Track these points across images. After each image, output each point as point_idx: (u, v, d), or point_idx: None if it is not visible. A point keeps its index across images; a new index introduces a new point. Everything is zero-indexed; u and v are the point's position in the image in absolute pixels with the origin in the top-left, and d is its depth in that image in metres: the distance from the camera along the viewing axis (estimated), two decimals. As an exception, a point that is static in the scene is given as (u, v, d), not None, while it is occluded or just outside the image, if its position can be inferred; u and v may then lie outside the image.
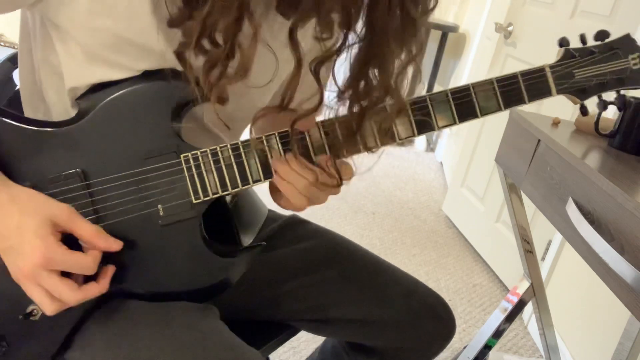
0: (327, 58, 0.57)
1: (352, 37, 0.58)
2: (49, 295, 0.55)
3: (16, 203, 0.55)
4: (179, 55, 0.57)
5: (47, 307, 0.55)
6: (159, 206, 0.62)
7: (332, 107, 0.63)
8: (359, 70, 0.60)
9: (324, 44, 0.56)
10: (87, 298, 0.57)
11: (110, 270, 0.60)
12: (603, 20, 1.66)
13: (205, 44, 0.55)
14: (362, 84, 0.60)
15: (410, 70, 0.60)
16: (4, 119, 0.60)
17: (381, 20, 0.56)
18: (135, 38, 0.58)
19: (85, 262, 0.56)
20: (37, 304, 0.56)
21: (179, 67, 0.59)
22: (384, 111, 0.63)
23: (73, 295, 0.55)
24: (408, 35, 0.58)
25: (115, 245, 0.59)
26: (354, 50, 0.59)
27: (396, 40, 0.57)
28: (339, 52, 0.57)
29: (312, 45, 0.61)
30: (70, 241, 0.57)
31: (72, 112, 0.63)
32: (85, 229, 0.57)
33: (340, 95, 0.61)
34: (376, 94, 0.61)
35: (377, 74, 0.60)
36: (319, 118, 0.65)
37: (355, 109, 0.62)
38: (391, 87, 0.60)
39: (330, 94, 0.63)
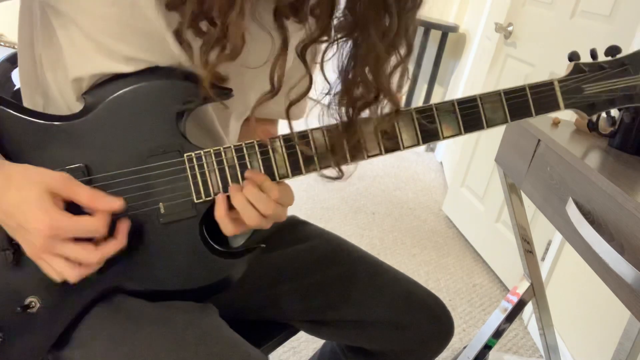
0: (312, 41, 0.58)
1: (338, 30, 0.59)
2: (69, 263, 0.55)
3: (11, 180, 0.55)
4: (178, 34, 0.57)
5: (70, 273, 0.55)
6: (160, 204, 0.62)
7: (328, 107, 0.63)
8: (350, 70, 0.60)
9: (321, 24, 0.57)
10: (106, 255, 0.57)
11: (124, 224, 0.59)
12: (603, 20, 1.66)
13: (201, 22, 0.55)
14: (354, 84, 0.60)
15: (399, 70, 0.61)
16: (10, 110, 0.60)
17: (364, 14, 0.57)
18: (139, 25, 0.58)
19: (93, 224, 0.56)
20: (59, 274, 0.55)
21: (183, 60, 0.59)
22: (380, 112, 0.63)
23: (92, 255, 0.55)
24: (394, 32, 0.58)
25: (115, 203, 0.58)
26: (345, 51, 0.60)
27: (382, 37, 0.58)
28: (322, 35, 0.58)
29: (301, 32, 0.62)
30: (75, 211, 0.56)
31: (74, 107, 0.63)
32: (82, 193, 0.56)
33: (335, 97, 0.62)
34: (369, 94, 0.61)
35: (368, 73, 0.60)
36: (321, 124, 0.65)
37: (350, 110, 0.62)
38: (383, 88, 0.60)
39: (325, 97, 0.64)
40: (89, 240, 0.56)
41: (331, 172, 0.67)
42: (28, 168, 0.56)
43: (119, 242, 0.58)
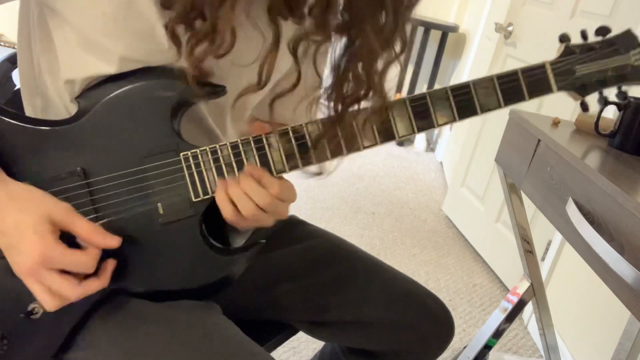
0: (304, 37, 0.58)
1: (335, 27, 0.59)
2: (49, 292, 0.55)
3: (14, 200, 0.55)
4: (168, 30, 0.57)
5: (48, 303, 0.56)
6: (159, 204, 0.62)
7: (319, 102, 0.64)
8: (342, 66, 0.60)
9: (321, 24, 0.57)
10: (87, 293, 0.57)
11: (110, 264, 0.60)
12: (603, 20, 1.66)
13: (194, 17, 0.55)
14: (346, 80, 0.60)
15: (393, 68, 0.61)
16: (4, 117, 0.60)
17: (361, 11, 0.57)
18: (135, 24, 0.58)
19: (83, 261, 0.56)
20: (38, 301, 0.56)
21: (175, 57, 0.60)
22: (367, 109, 0.63)
23: (73, 291, 0.55)
24: (390, 30, 0.58)
25: (113, 242, 0.59)
26: (338, 46, 0.60)
27: (377, 33, 0.58)
28: (317, 33, 0.58)
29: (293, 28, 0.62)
30: (70, 239, 0.57)
31: (71, 107, 0.63)
32: (83, 227, 0.57)
33: (325, 92, 0.62)
34: (360, 90, 0.61)
35: (361, 70, 0.60)
36: (317, 116, 0.65)
37: (339, 106, 0.62)
38: (375, 84, 0.60)
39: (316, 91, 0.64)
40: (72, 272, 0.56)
41: (313, 167, 0.67)
42: (33, 191, 0.57)
43: (102, 281, 0.58)
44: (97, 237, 0.57)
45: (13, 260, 0.55)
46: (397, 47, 0.60)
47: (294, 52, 0.59)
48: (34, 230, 0.54)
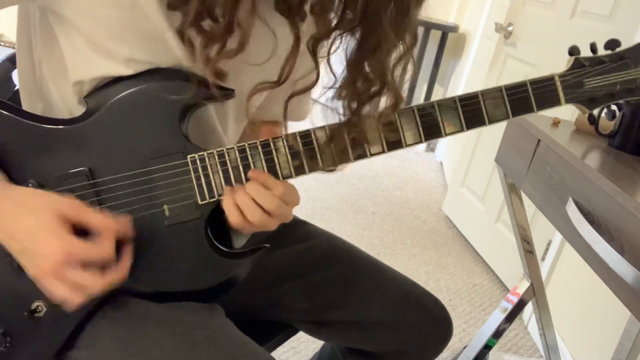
0: (324, 36, 0.58)
1: (348, 22, 0.58)
2: (73, 288, 0.55)
3: (20, 205, 0.55)
4: (180, 33, 0.57)
5: (73, 299, 0.55)
6: (165, 206, 0.62)
7: (330, 104, 0.63)
8: (355, 63, 0.60)
9: (321, 22, 0.57)
10: (111, 282, 0.57)
11: (127, 250, 0.60)
12: (603, 20, 1.66)
13: (205, 19, 0.55)
14: (361, 76, 0.60)
15: (404, 63, 0.61)
16: (11, 114, 0.60)
17: (374, 6, 0.57)
18: (140, 26, 0.58)
19: (103, 248, 0.56)
20: (61, 299, 0.55)
21: (184, 60, 0.60)
22: (383, 105, 0.63)
23: (98, 282, 0.56)
24: (402, 24, 0.58)
25: (124, 221, 0.59)
26: (351, 43, 0.60)
27: (390, 28, 0.57)
28: (335, 30, 0.58)
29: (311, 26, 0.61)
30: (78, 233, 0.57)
31: (75, 111, 0.63)
32: (95, 216, 0.57)
33: (338, 90, 0.62)
34: (374, 86, 0.61)
35: (375, 65, 0.60)
36: (324, 122, 0.65)
37: (353, 104, 0.62)
38: (388, 80, 0.60)
39: (329, 92, 0.63)
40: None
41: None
42: (37, 193, 0.57)
43: (122, 268, 0.59)
44: (109, 223, 0.58)
45: (31, 264, 0.55)
46: (409, 41, 0.60)
47: (313, 51, 0.59)
48: (49, 231, 0.54)
